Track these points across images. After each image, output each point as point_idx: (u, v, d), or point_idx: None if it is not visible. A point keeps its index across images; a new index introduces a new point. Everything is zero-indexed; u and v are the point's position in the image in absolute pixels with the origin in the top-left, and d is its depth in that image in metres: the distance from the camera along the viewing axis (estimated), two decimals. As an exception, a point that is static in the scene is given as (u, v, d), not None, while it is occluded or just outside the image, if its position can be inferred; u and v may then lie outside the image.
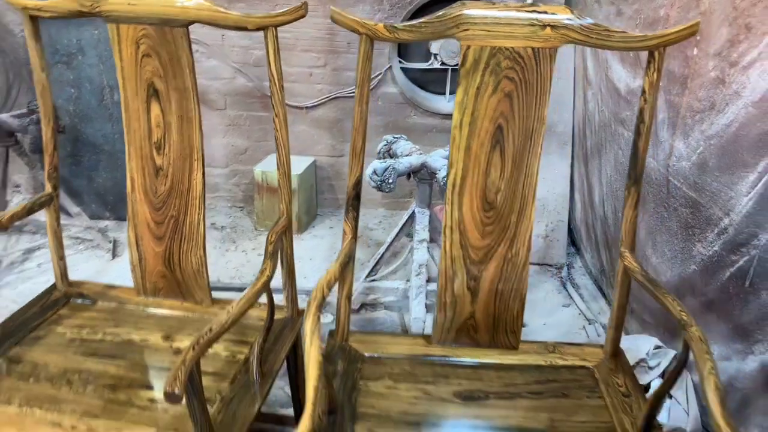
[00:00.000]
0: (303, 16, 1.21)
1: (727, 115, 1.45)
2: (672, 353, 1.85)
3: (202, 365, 0.99)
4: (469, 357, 1.36)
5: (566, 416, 1.21)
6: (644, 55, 1.14)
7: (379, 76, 3.03)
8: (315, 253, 2.89)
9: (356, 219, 1.35)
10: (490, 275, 1.31)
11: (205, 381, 1.04)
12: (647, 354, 1.80)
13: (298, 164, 3.04)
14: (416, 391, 1.26)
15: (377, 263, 2.38)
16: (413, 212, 2.29)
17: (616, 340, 1.35)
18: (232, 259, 2.77)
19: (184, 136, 1.37)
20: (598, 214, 2.57)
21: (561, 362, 1.36)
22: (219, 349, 1.35)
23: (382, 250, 2.39)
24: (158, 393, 1.21)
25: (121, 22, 1.27)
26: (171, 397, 0.89)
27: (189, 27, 1.26)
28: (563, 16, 1.12)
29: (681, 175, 1.71)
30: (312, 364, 0.91)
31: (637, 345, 1.86)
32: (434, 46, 3.01)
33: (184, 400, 0.90)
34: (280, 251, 1.41)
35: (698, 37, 1.58)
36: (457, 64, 3.01)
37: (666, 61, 1.30)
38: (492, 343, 1.37)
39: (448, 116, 3.09)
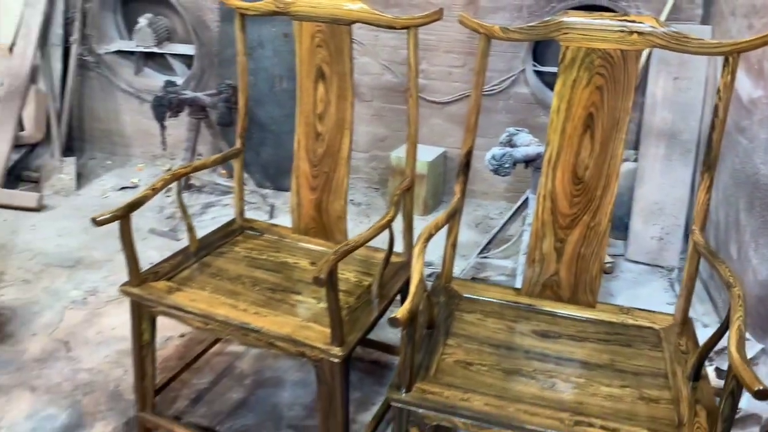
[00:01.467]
0: (438, 19, 1.54)
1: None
2: (758, 346, 1.95)
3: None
4: (550, 307, 1.62)
5: (625, 359, 1.44)
6: (766, 65, 1.32)
7: (513, 77, 3.30)
8: (438, 234, 3.22)
9: (465, 183, 1.66)
10: (575, 239, 1.56)
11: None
12: (732, 343, 1.92)
13: (430, 153, 3.39)
14: (501, 324, 1.55)
15: (490, 242, 2.66)
16: (526, 198, 2.54)
17: (685, 309, 1.55)
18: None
19: (339, 110, 1.77)
20: (712, 219, 2.65)
21: (631, 321, 1.58)
22: (350, 276, 1.73)
23: (495, 230, 2.67)
24: (303, 297, 1.61)
25: (304, 20, 1.70)
26: (318, 281, 1.27)
27: (352, 26, 1.66)
28: (648, 25, 1.36)
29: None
30: (416, 271, 1.25)
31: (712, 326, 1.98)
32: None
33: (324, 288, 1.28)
34: (402, 206, 1.76)
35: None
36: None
37: None
38: (572, 299, 1.62)
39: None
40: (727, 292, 1.24)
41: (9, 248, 2.91)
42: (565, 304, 1.62)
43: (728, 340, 1.10)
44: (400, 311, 1.16)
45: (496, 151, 2.29)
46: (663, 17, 2.95)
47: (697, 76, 2.92)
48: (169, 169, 3.72)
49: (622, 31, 1.38)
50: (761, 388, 1.00)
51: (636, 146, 3.08)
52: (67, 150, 3.88)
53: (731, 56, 1.32)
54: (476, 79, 1.52)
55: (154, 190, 1.65)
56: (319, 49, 1.72)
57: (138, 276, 1.63)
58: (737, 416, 1.86)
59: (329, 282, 1.32)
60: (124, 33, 3.91)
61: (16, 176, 3.64)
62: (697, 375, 1.35)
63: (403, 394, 1.28)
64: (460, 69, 3.37)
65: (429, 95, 3.46)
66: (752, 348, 1.93)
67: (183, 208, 1.81)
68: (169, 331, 2.32)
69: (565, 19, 1.40)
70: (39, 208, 3.31)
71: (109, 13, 3.83)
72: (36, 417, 1.90)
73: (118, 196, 3.55)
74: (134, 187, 3.68)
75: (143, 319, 1.65)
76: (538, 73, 3.37)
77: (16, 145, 3.57)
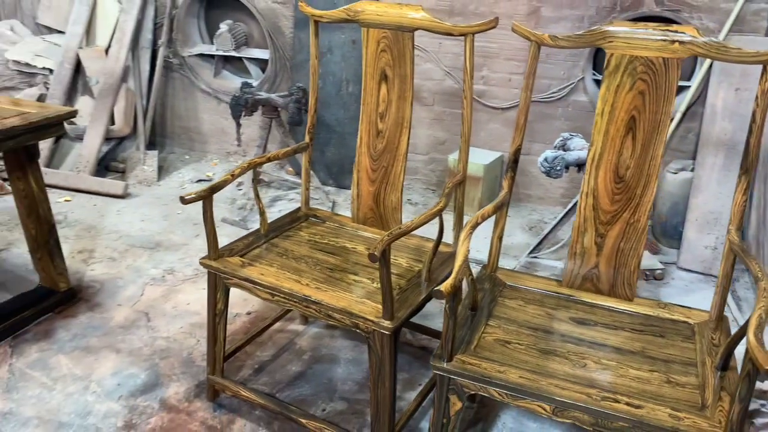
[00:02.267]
0: (494, 27, 1.68)
1: None
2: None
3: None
4: (589, 299, 1.72)
5: (657, 348, 1.52)
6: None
7: (572, 85, 3.38)
8: (488, 233, 3.33)
9: (513, 178, 1.78)
10: (615, 234, 1.66)
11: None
12: (775, 347, 1.96)
13: (487, 156, 3.51)
14: (540, 311, 1.66)
15: (540, 242, 2.75)
16: (576, 201, 2.62)
17: (720, 305, 1.62)
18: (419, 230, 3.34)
19: (399, 110, 1.93)
20: (764, 230, 2.65)
21: (667, 315, 1.66)
22: (403, 261, 1.89)
23: (546, 231, 2.76)
24: (359, 277, 1.78)
25: (371, 27, 1.87)
26: (372, 257, 1.43)
27: (414, 32, 1.82)
28: (689, 35, 1.45)
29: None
30: (460, 253, 1.39)
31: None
32: (627, 62, 3.27)
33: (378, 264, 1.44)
34: (454, 199, 1.90)
35: None
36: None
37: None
38: (611, 292, 1.71)
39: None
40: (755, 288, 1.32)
41: (98, 229, 3.23)
42: (604, 297, 1.72)
43: (748, 326, 1.19)
44: (444, 285, 1.30)
45: (549, 153, 2.40)
46: (726, 29, 2.97)
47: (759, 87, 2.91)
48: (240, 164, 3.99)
49: (663, 40, 1.48)
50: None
51: (694, 156, 3.10)
52: (151, 144, 4.23)
53: (766, 65, 1.40)
54: (526, 82, 1.65)
55: (233, 176, 1.85)
56: (383, 54, 1.89)
57: (216, 251, 1.84)
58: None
59: (382, 259, 1.48)
60: (206, 37, 4.22)
61: (105, 166, 4.01)
62: (726, 365, 1.43)
63: (445, 364, 1.42)
64: (520, 76, 3.48)
65: (489, 101, 3.58)
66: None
67: (256, 193, 2.01)
68: (237, 309, 2.54)
69: (610, 28, 1.52)
70: (124, 196, 3.63)
71: (193, 19, 4.15)
72: (120, 375, 2.15)
73: (194, 187, 3.84)
74: (209, 180, 3.97)
75: (219, 289, 1.86)
76: (598, 82, 3.43)
77: (107, 138, 3.93)
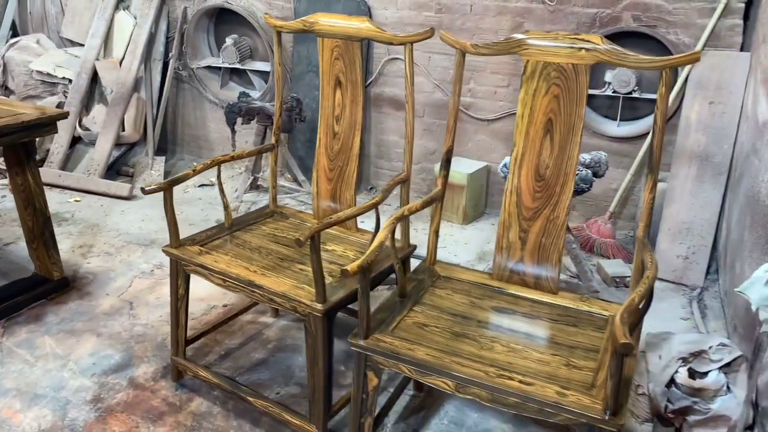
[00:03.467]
0: (429, 38, 1.82)
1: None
2: (737, 352, 2.02)
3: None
4: (516, 291, 1.82)
5: (567, 336, 1.62)
6: None
7: (554, 99, 3.48)
8: (471, 240, 3.44)
9: (446, 176, 1.91)
10: (536, 230, 1.77)
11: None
12: (710, 348, 2.02)
13: (472, 166, 3.63)
14: (465, 300, 1.78)
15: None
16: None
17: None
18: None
19: (352, 114, 2.08)
20: (732, 238, 2.69)
21: (586, 308, 1.75)
22: (350, 254, 2.02)
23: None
24: (306, 267, 1.92)
25: (325, 37, 2.03)
26: (298, 242, 1.57)
27: (362, 41, 1.97)
28: (592, 43, 1.56)
29: None
30: (377, 239, 1.53)
31: (705, 339, 2.08)
32: (608, 75, 3.36)
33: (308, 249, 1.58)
34: (400, 197, 2.02)
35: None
36: (628, 93, 3.33)
37: None
38: (536, 285, 1.81)
39: (617, 139, 3.40)
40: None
41: (100, 227, 3.45)
42: (530, 289, 1.82)
43: (618, 312, 1.29)
44: (351, 265, 1.43)
45: (507, 159, 2.51)
46: (701, 44, 3.05)
47: (733, 102, 2.97)
48: (242, 171, 4.19)
49: (572, 48, 1.59)
50: (626, 341, 1.18)
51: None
52: (161, 151, 4.48)
53: (664, 71, 1.50)
54: (454, 88, 1.78)
55: (194, 171, 2.03)
56: (337, 61, 2.05)
57: (177, 240, 2.01)
58: (707, 416, 1.95)
59: (312, 246, 1.62)
60: (214, 50, 4.46)
61: (116, 170, 4.26)
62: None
63: (361, 341, 1.55)
64: (505, 89, 3.59)
65: (475, 113, 3.70)
66: (730, 353, 2.00)
67: (221, 189, 2.17)
68: (215, 301, 2.70)
69: (525, 37, 1.64)
70: (129, 197, 3.86)
71: (202, 34, 4.40)
72: (97, 355, 2.33)
73: (197, 191, 4.05)
74: (211, 185, 4.18)
75: (179, 275, 2.02)
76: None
77: (118, 144, 4.19)
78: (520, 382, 1.42)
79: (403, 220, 1.76)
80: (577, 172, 2.43)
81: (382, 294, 2.64)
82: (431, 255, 1.95)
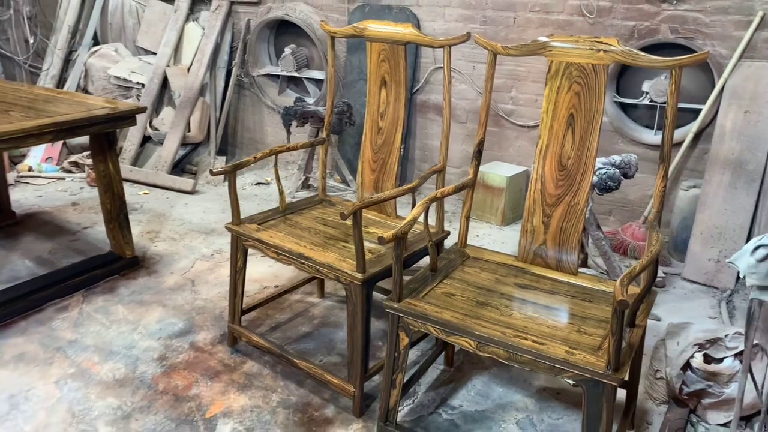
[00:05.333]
0: (466, 41, 2.04)
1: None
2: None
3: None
4: (539, 271, 2.00)
5: (581, 308, 1.79)
6: None
7: (592, 107, 3.62)
8: (508, 241, 3.61)
9: (477, 166, 2.10)
10: (558, 215, 1.95)
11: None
12: (726, 336, 2.13)
13: (511, 170, 3.80)
14: (491, 277, 1.96)
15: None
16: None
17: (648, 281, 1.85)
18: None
19: (396, 110, 2.31)
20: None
21: (603, 287, 1.91)
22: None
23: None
24: (349, 245, 2.14)
25: (373, 41, 2.28)
26: (342, 215, 1.80)
27: (406, 45, 2.20)
28: (610, 45, 1.75)
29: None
30: (410, 215, 1.74)
31: (722, 329, 2.19)
32: (646, 85, 3.49)
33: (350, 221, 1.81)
34: (436, 184, 2.23)
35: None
36: (664, 102, 3.45)
37: None
38: (558, 267, 1.99)
39: (653, 146, 3.52)
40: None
41: (166, 216, 3.79)
42: (552, 271, 1.99)
43: (620, 276, 1.46)
44: (387, 233, 1.65)
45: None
46: (737, 55, 3.15)
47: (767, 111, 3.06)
48: (294, 172, 4.48)
49: (591, 50, 1.78)
50: (622, 299, 1.35)
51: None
52: (220, 151, 4.82)
53: (674, 69, 1.67)
54: (486, 85, 1.98)
55: (255, 159, 2.29)
56: (383, 63, 2.29)
57: (238, 218, 2.27)
58: (720, 398, 2.07)
59: (354, 221, 1.85)
60: (274, 60, 4.80)
61: (181, 168, 4.62)
62: (632, 322, 1.68)
63: (395, 304, 1.76)
64: (545, 97, 3.76)
65: (517, 119, 3.88)
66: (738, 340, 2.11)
67: (277, 176, 2.43)
68: (267, 282, 2.97)
69: (549, 40, 1.84)
70: (192, 192, 4.21)
71: (263, 44, 4.74)
72: (162, 322, 2.62)
73: (253, 189, 4.36)
74: (267, 183, 4.48)
75: (239, 249, 2.29)
76: (618, 104, 3.65)
77: (183, 143, 4.55)
78: (534, 341, 1.60)
79: (436, 201, 1.97)
80: (606, 170, 2.58)
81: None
82: (462, 238, 2.14)
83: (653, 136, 3.56)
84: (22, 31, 5.10)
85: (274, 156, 2.40)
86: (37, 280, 2.79)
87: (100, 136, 2.75)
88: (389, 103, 2.32)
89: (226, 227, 2.28)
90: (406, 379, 2.03)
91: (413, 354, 2.43)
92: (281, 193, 2.43)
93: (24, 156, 4.59)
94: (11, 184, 4.11)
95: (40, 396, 2.15)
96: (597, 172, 2.62)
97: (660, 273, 3.10)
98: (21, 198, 3.98)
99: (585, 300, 1.84)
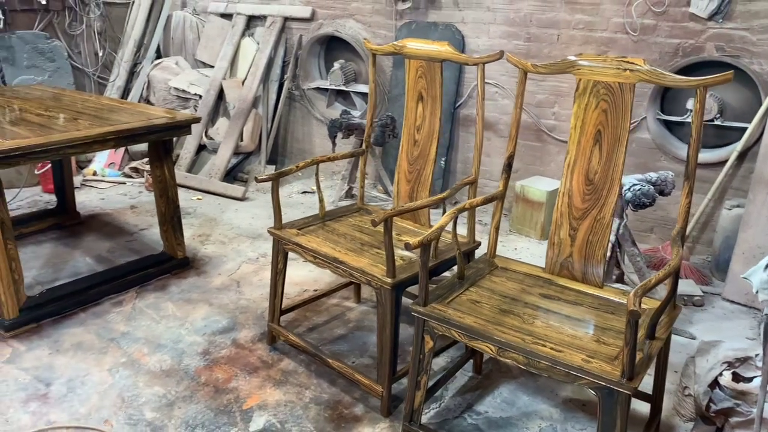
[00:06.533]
0: (499, 59, 2.12)
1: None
2: None
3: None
4: (564, 283, 2.05)
5: (603, 320, 1.83)
6: None
7: (635, 123, 3.63)
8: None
9: (507, 179, 2.17)
10: (584, 228, 2.00)
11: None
12: (756, 356, 2.12)
13: (552, 185, 3.83)
14: (517, 286, 2.03)
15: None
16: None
17: (670, 293, 1.88)
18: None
19: (431, 124, 2.41)
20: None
21: (626, 301, 1.94)
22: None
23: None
24: (382, 251, 2.25)
25: (411, 58, 2.39)
26: (373, 222, 1.91)
27: (442, 62, 2.31)
28: (636, 65, 1.80)
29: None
30: (438, 223, 1.83)
31: (753, 348, 2.18)
32: (690, 103, 3.47)
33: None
34: (468, 195, 2.31)
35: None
36: (710, 120, 3.42)
37: None
38: (584, 279, 2.03)
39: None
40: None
41: (217, 221, 3.99)
42: (578, 283, 2.04)
43: (634, 289, 1.50)
44: (414, 239, 1.75)
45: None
46: (784, 73, 3.11)
47: (814, 129, 3.01)
48: (338, 181, 4.63)
49: (618, 69, 1.84)
50: (633, 309, 1.40)
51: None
52: (271, 160, 5.03)
53: (699, 89, 1.71)
54: (516, 101, 2.06)
55: (297, 167, 2.43)
56: (420, 79, 2.39)
57: (280, 223, 2.41)
58: (748, 417, 2.06)
59: (385, 228, 1.95)
60: (324, 74, 4.98)
61: (233, 176, 4.84)
62: (652, 335, 1.71)
63: (421, 308, 1.85)
64: (587, 113, 3.78)
65: (558, 135, 3.91)
66: None
67: (318, 184, 2.57)
68: (307, 286, 3.10)
69: (577, 59, 1.90)
70: (242, 199, 4.41)
71: (314, 59, 4.93)
72: (208, 320, 2.78)
73: (299, 197, 4.53)
74: (312, 192, 4.65)
75: (279, 251, 2.42)
76: (662, 122, 3.64)
77: (236, 153, 4.77)
78: (552, 348, 1.66)
79: (465, 211, 2.05)
80: (640, 186, 2.60)
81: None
82: (492, 249, 2.22)
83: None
84: (92, 45, 5.47)
85: (316, 165, 2.53)
86: (96, 276, 3.02)
87: (158, 144, 2.96)
88: (425, 117, 2.43)
89: (268, 231, 2.42)
90: (433, 383, 2.12)
91: (443, 360, 2.50)
92: (321, 200, 2.56)
93: (89, 161, 4.91)
94: (77, 187, 4.41)
95: (95, 381, 2.33)
96: (631, 189, 2.64)
97: (699, 292, 3.08)
98: (85, 200, 4.27)
99: (608, 312, 1.88)
